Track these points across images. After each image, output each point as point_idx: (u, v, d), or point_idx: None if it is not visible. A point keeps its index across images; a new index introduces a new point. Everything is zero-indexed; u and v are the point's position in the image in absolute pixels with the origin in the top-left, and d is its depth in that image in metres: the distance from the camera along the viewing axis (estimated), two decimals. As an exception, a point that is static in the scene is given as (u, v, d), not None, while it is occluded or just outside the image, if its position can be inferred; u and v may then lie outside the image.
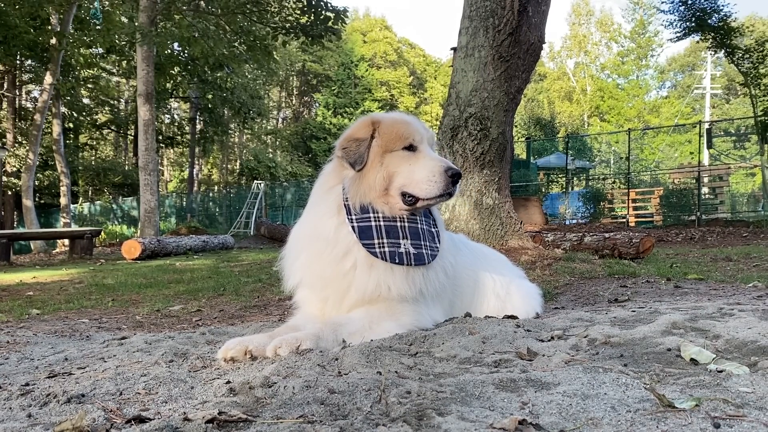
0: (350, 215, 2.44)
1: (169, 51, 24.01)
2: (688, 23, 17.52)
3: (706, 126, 20.04)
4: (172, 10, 17.50)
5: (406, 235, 2.44)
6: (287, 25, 18.23)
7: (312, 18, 17.65)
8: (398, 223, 2.45)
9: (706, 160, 23.20)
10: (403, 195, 2.40)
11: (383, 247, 2.39)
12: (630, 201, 20.52)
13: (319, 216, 2.51)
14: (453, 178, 2.36)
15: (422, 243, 2.47)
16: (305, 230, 2.56)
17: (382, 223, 2.43)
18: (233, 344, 2.11)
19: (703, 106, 48.14)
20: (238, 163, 49.50)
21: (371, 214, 2.44)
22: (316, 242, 2.48)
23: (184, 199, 33.52)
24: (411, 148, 2.45)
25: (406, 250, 2.41)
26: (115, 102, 38.14)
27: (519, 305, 2.90)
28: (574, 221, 19.41)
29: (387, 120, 2.51)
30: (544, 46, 6.12)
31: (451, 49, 7.29)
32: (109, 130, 39.51)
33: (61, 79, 23.62)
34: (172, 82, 29.05)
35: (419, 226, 2.51)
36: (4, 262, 12.19)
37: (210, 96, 33.20)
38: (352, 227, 2.41)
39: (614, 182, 24.12)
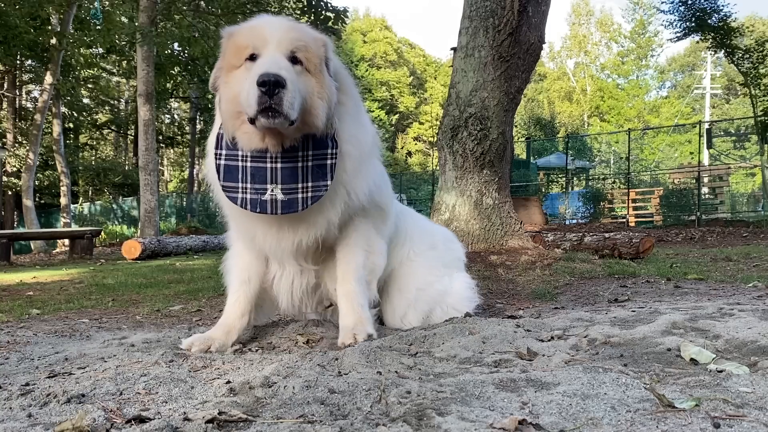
0: (219, 149, 2.15)
1: (169, 51, 23.98)
2: (688, 23, 17.52)
3: (706, 126, 20.04)
4: (172, 10, 17.50)
5: (275, 179, 2.09)
6: (287, 25, 18.21)
7: (312, 18, 17.64)
8: (268, 164, 2.09)
9: (706, 160, 23.19)
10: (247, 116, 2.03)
11: (246, 192, 2.10)
12: (630, 201, 20.51)
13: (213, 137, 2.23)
14: (261, 87, 1.88)
15: (298, 186, 2.10)
16: (210, 141, 2.30)
17: (248, 164, 2.10)
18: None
19: (703, 106, 48.14)
20: (238, 163, 49.42)
21: (239, 152, 2.11)
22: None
23: (184, 199, 33.50)
24: (253, 58, 2.05)
25: (272, 197, 2.08)
26: (115, 102, 38.15)
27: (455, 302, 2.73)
28: (574, 221, 19.41)
29: (235, 32, 2.14)
30: (544, 46, 6.12)
31: (451, 49, 7.29)
32: (109, 130, 39.52)
33: (61, 79, 23.60)
34: (172, 82, 29.03)
35: (300, 164, 2.11)
36: (5, 262, 12.18)
37: (210, 96, 33.15)
38: (217, 165, 2.13)
39: (614, 182, 24.12)
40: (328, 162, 2.12)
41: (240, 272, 2.45)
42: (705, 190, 19.76)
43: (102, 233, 23.58)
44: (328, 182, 2.12)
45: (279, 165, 2.08)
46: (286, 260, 2.37)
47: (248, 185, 2.08)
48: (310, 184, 2.10)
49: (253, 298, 2.44)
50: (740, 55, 17.34)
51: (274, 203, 2.07)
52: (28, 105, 32.26)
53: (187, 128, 37.81)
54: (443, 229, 3.30)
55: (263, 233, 2.26)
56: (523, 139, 30.17)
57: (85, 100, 32.85)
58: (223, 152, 2.12)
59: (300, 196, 2.09)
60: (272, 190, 2.07)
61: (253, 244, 2.35)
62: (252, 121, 1.98)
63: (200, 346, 2.24)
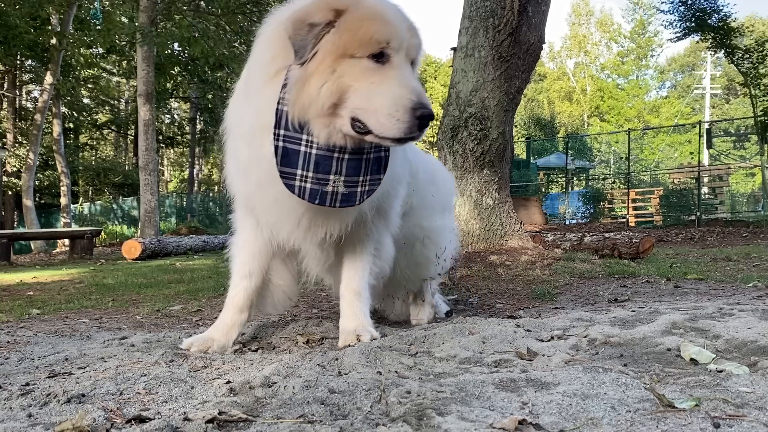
0: (279, 128, 1.89)
1: (169, 51, 24.00)
2: (688, 23, 17.52)
3: (706, 126, 20.04)
4: (172, 10, 17.51)
5: (340, 171, 1.93)
6: (287, 25, 18.20)
7: (312, 18, 17.63)
8: (335, 155, 1.91)
9: (706, 160, 23.19)
10: (354, 120, 1.83)
11: (305, 181, 1.91)
12: (630, 201, 20.52)
13: (257, 112, 1.97)
14: (420, 120, 1.77)
15: (359, 179, 1.98)
16: (243, 121, 2.09)
17: (313, 152, 1.90)
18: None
19: (703, 106, 48.16)
20: (238, 163, 49.42)
21: (305, 136, 1.89)
22: (243, 145, 2.08)
23: (184, 199, 33.50)
24: (381, 57, 1.82)
25: (334, 188, 1.94)
26: (115, 102, 38.14)
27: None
28: (574, 221, 19.42)
29: (357, 11, 1.85)
30: (544, 46, 6.13)
31: (451, 49, 7.30)
32: (109, 130, 39.52)
33: (61, 79, 23.59)
34: (172, 82, 29.05)
35: (364, 157, 1.97)
36: (5, 262, 12.18)
37: (210, 96, 33.22)
38: (276, 147, 1.89)
39: (614, 182, 24.13)
40: (383, 155, 2.02)
41: (242, 265, 2.39)
42: (705, 190, 19.77)
43: (102, 233, 23.58)
44: (382, 175, 2.03)
45: (346, 156, 1.92)
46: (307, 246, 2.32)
47: (310, 174, 1.90)
48: (369, 178, 1.99)
49: (253, 294, 2.41)
50: (740, 55, 17.33)
51: (334, 196, 1.93)
52: (28, 105, 32.26)
53: (187, 128, 37.81)
54: (435, 160, 3.37)
55: (288, 231, 2.15)
56: (523, 139, 30.18)
57: (85, 100, 32.84)
58: (283, 132, 1.88)
59: (359, 189, 1.98)
60: (335, 182, 1.92)
61: (270, 235, 2.28)
62: (366, 133, 1.83)
63: (200, 346, 2.24)
